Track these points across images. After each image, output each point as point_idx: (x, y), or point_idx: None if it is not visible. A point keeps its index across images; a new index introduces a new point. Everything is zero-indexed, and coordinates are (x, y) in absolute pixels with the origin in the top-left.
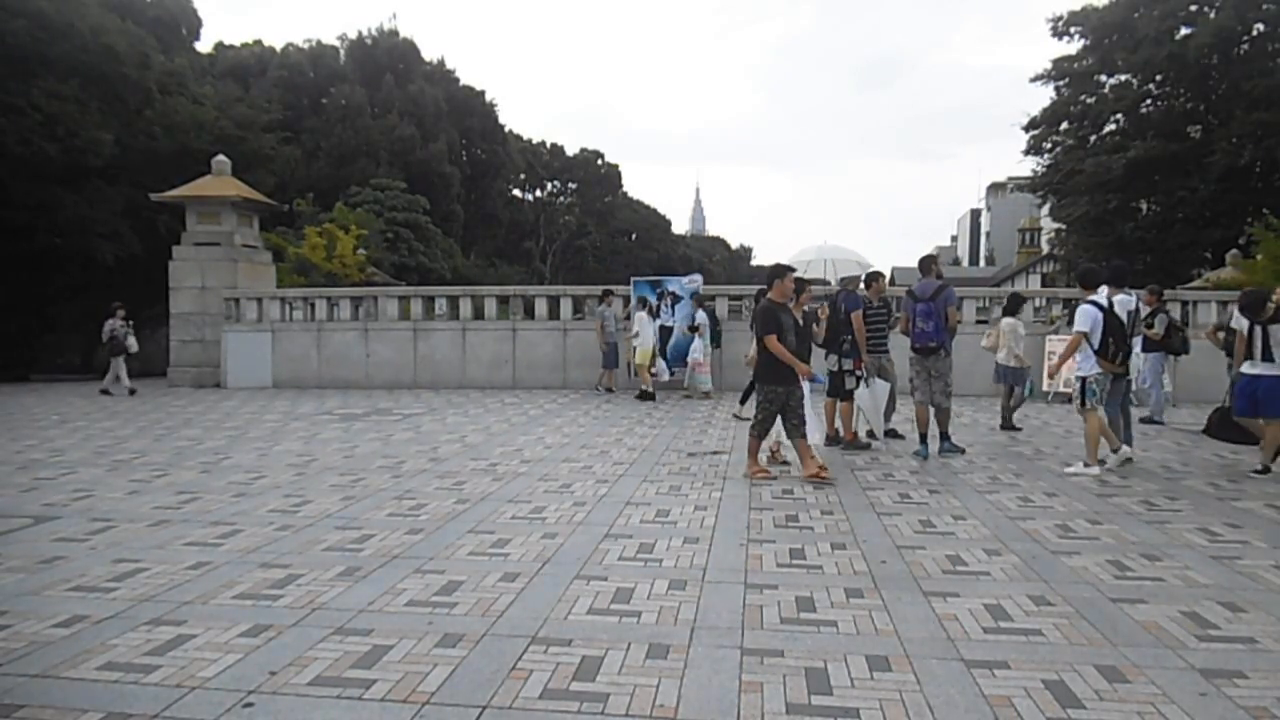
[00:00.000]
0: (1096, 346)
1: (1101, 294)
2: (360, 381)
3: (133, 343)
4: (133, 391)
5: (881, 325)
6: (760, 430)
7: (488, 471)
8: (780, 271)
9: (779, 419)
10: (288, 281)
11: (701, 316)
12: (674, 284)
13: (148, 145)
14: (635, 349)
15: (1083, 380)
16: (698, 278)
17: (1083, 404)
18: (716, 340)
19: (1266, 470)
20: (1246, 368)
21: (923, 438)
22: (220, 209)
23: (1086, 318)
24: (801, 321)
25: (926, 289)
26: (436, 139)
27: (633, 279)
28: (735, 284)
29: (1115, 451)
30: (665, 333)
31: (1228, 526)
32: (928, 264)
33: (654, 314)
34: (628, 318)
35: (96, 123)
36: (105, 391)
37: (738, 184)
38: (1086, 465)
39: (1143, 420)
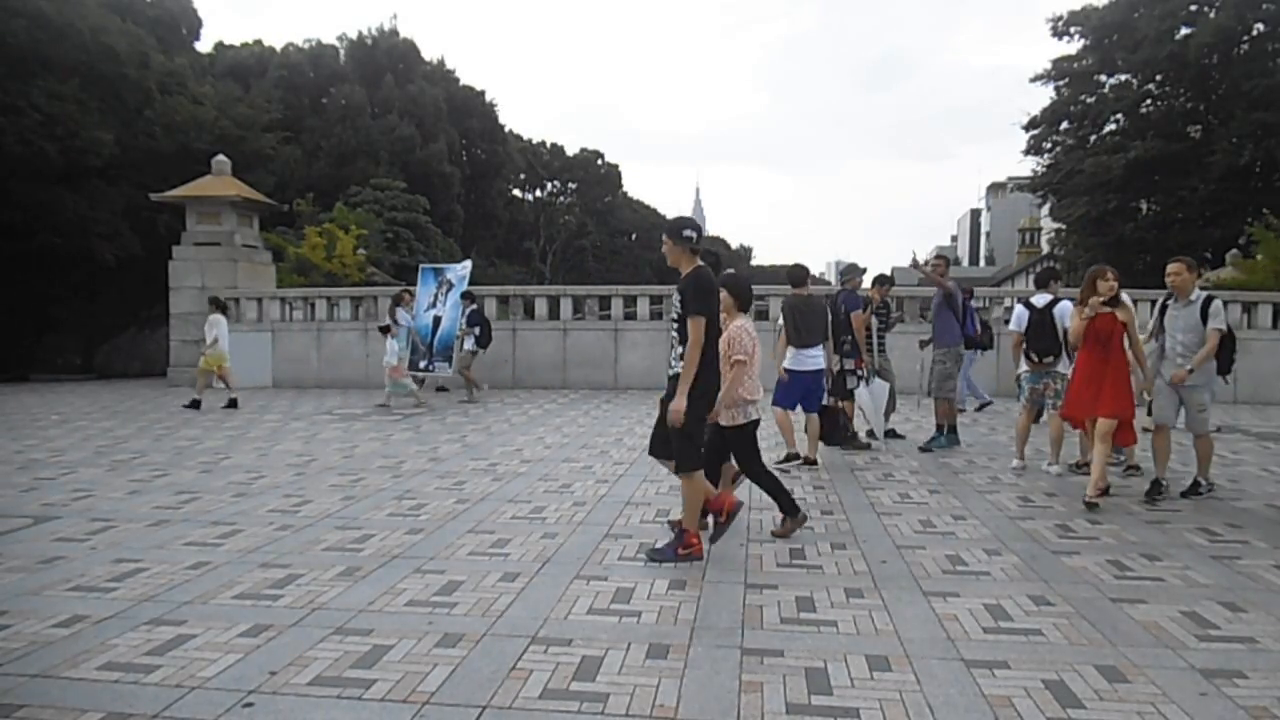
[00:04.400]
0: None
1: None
2: (360, 381)
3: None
4: (441, 390)
5: (882, 326)
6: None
7: (488, 471)
8: None
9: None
10: (288, 281)
11: (405, 318)
12: (451, 272)
13: (148, 145)
14: (205, 353)
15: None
16: (467, 264)
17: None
18: (485, 343)
19: (810, 462)
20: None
21: (941, 429)
22: (220, 209)
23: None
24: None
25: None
26: (436, 139)
27: (421, 267)
28: None
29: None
30: (437, 323)
31: (1228, 526)
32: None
33: (434, 303)
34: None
35: (96, 123)
36: (443, 389)
37: (739, 184)
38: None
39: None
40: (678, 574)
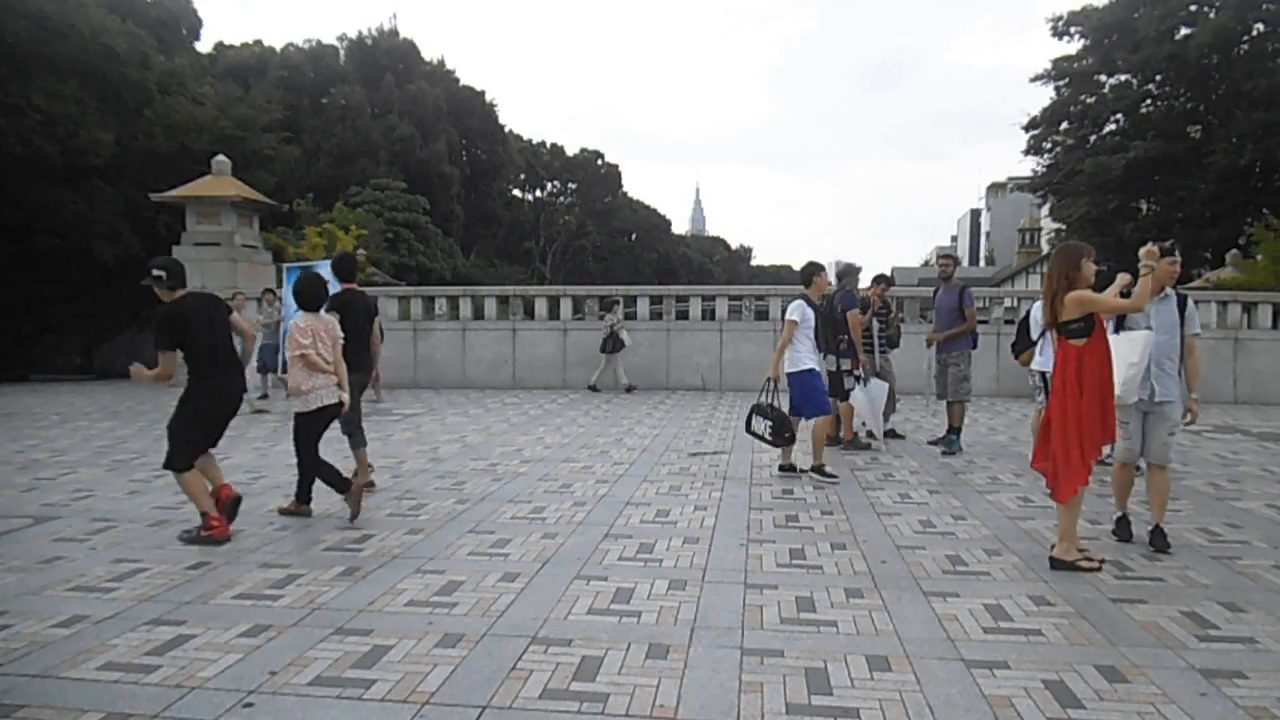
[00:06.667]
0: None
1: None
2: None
3: (626, 337)
4: (630, 389)
5: (883, 327)
6: None
7: (488, 471)
8: None
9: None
10: None
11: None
12: (322, 267)
13: (148, 145)
14: None
15: None
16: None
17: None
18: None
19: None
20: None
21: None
22: (220, 209)
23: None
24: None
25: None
26: (436, 139)
27: (286, 267)
28: (735, 284)
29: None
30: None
31: (1228, 526)
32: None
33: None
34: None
35: (96, 123)
36: (593, 388)
37: (740, 184)
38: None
39: None
40: (678, 574)
